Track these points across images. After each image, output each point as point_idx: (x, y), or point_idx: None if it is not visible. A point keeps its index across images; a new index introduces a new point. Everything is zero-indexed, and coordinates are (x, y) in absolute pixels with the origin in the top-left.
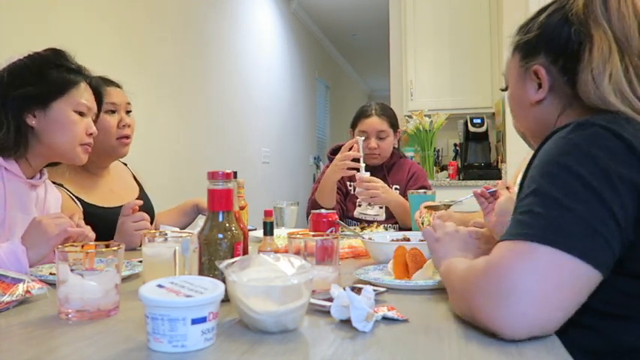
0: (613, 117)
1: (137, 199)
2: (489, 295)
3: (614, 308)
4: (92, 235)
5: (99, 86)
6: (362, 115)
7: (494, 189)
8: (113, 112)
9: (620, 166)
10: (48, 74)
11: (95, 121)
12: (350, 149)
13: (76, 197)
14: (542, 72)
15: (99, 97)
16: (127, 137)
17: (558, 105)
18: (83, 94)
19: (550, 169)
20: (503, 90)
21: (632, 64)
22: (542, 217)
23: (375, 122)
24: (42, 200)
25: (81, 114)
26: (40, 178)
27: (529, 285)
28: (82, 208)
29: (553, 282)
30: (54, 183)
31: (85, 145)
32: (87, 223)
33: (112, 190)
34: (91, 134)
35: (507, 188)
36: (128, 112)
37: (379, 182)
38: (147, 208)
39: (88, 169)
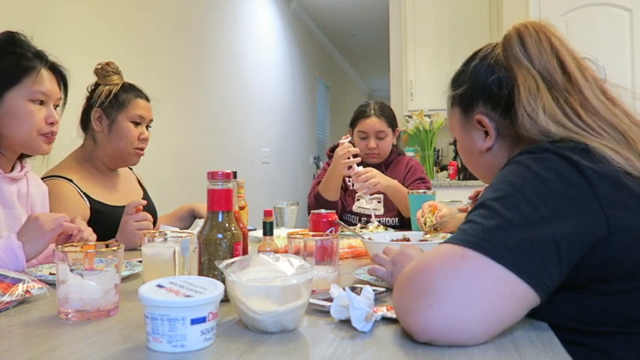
0: (561, 143)
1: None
2: (410, 293)
3: (606, 326)
4: (93, 237)
5: (62, 69)
6: (361, 115)
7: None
8: (138, 123)
9: (569, 188)
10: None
11: (57, 107)
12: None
13: (84, 193)
14: (486, 120)
15: (64, 81)
16: (142, 149)
17: (507, 147)
18: (41, 82)
19: (499, 186)
20: (452, 144)
21: (561, 96)
22: (479, 226)
23: (373, 123)
24: (24, 194)
25: (40, 102)
26: (21, 171)
27: (450, 287)
28: (88, 204)
29: (475, 287)
30: (63, 178)
31: (47, 134)
32: (93, 220)
33: (118, 190)
34: (53, 123)
35: None
36: (148, 126)
37: (374, 170)
38: (150, 211)
39: (97, 168)
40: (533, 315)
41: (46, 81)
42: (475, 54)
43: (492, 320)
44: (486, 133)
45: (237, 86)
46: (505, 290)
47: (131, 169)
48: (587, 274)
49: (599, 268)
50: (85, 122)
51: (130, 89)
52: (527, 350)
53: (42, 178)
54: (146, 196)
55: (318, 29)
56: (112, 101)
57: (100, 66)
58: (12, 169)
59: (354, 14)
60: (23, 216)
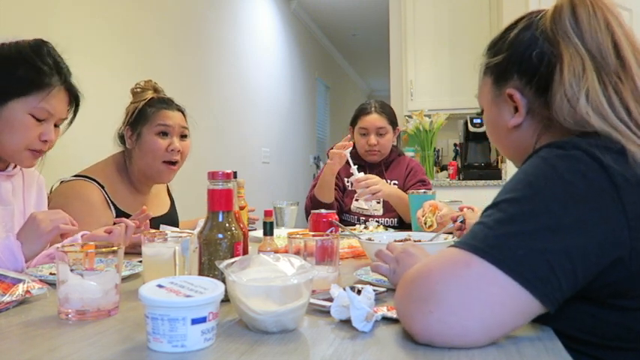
0: (595, 140)
1: (166, 214)
2: (412, 297)
3: (612, 341)
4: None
5: (77, 92)
6: (362, 112)
7: (462, 217)
8: (165, 134)
9: (594, 196)
10: (14, 69)
11: (57, 125)
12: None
13: (112, 202)
14: (517, 96)
15: (76, 103)
16: (174, 163)
17: (537, 127)
18: (49, 99)
19: (518, 187)
20: (479, 114)
21: (610, 82)
22: (491, 231)
23: (374, 119)
24: (19, 188)
25: (39, 119)
26: (15, 167)
27: (452, 294)
28: (114, 214)
29: (479, 296)
30: (96, 182)
31: (36, 150)
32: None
33: (147, 203)
34: (46, 141)
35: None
36: (183, 136)
37: (375, 177)
38: (172, 221)
39: (133, 183)
40: (544, 323)
41: (55, 100)
42: (517, 21)
43: (495, 328)
44: (516, 109)
45: (237, 86)
46: (510, 301)
47: None
48: (607, 289)
49: (619, 283)
50: (122, 141)
51: (156, 102)
52: (528, 351)
53: (76, 175)
54: (172, 207)
55: (318, 29)
56: (137, 116)
57: (135, 85)
58: (7, 166)
59: (354, 14)
60: (18, 212)
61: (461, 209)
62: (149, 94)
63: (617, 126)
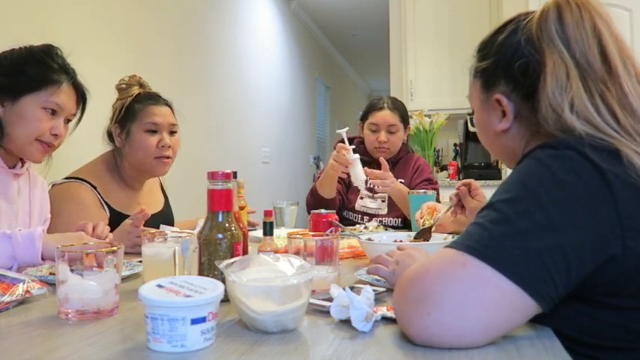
0: (587, 140)
1: (160, 212)
2: (409, 298)
3: (608, 341)
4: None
5: (84, 89)
6: (373, 107)
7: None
8: (154, 131)
9: (588, 195)
10: (26, 68)
11: (68, 121)
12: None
13: (105, 202)
14: (505, 101)
15: (83, 100)
16: (167, 158)
17: (525, 132)
18: (58, 94)
19: (513, 187)
20: (470, 115)
21: (597, 89)
22: (486, 232)
23: (386, 115)
24: (25, 190)
25: (52, 112)
26: (22, 166)
27: (449, 295)
28: (108, 214)
29: (475, 296)
30: (88, 183)
31: (45, 143)
32: (111, 230)
33: (140, 200)
34: (56, 135)
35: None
36: (172, 132)
37: (389, 173)
38: (167, 219)
39: (123, 177)
40: (541, 324)
41: (64, 96)
42: (506, 24)
43: (492, 328)
44: (504, 114)
45: (237, 86)
46: (506, 301)
47: None
48: (601, 287)
49: (613, 282)
50: (111, 139)
51: (144, 98)
52: (528, 352)
53: (67, 177)
54: (166, 204)
55: (318, 29)
56: (125, 113)
57: (120, 81)
58: (15, 165)
59: (354, 14)
60: (22, 211)
61: (458, 188)
62: (135, 90)
63: (608, 132)
